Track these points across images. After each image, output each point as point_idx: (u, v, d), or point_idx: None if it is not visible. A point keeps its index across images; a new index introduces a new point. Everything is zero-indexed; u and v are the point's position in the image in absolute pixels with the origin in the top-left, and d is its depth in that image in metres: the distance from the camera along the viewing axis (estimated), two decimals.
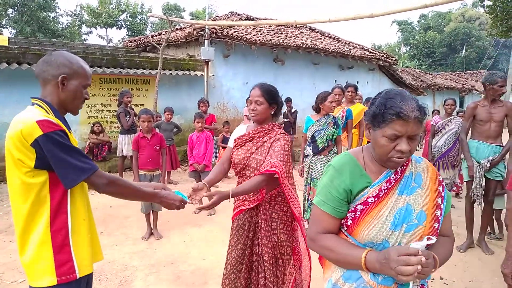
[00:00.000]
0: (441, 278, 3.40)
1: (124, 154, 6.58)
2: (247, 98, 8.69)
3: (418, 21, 44.93)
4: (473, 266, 3.67)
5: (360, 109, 5.09)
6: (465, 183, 4.24)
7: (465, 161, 4.09)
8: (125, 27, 29.90)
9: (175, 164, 6.82)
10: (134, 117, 6.62)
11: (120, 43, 27.29)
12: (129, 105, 6.60)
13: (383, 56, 14.02)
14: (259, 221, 2.28)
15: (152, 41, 10.01)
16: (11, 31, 24.57)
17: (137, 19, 29.79)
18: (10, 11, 24.27)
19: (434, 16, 43.30)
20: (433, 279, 3.38)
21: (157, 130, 6.47)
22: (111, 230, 4.52)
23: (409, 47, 42.36)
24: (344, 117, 4.66)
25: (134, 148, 4.19)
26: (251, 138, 2.31)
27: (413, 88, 15.85)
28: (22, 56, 6.80)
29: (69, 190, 1.46)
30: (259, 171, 2.15)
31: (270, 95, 2.28)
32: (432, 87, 18.75)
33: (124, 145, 6.51)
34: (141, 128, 4.27)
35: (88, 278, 1.61)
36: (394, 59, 14.42)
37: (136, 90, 8.37)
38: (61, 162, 1.38)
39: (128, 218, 4.90)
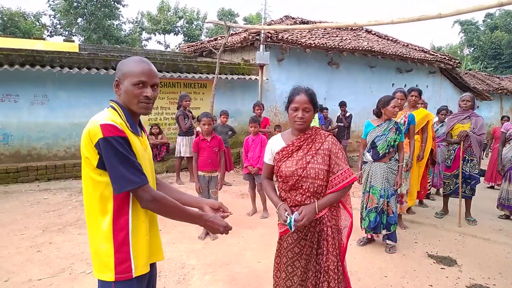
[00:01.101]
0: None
1: (181, 155, 6.81)
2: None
3: (484, 21, 41.94)
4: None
5: (424, 115, 4.84)
6: None
7: None
8: (181, 33, 31.13)
9: (229, 166, 6.94)
10: (192, 120, 6.84)
11: (177, 48, 28.44)
12: (187, 108, 6.83)
13: (445, 58, 13.25)
14: (325, 229, 2.19)
15: (210, 46, 10.30)
16: (79, 39, 26.60)
17: (193, 25, 30.88)
18: (79, 20, 26.30)
19: (502, 14, 40.14)
20: None
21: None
22: (169, 228, 4.68)
23: (472, 48, 39.68)
24: (406, 122, 4.46)
25: (194, 150, 4.33)
26: (298, 147, 2.19)
27: (478, 92, 14.80)
28: (91, 61, 7.31)
29: (130, 194, 1.51)
30: (343, 183, 2.12)
31: (315, 100, 2.19)
32: (500, 91, 17.35)
33: (182, 146, 6.75)
34: (201, 130, 4.40)
35: (150, 276, 1.67)
36: (457, 61, 13.57)
37: (194, 93, 8.65)
38: (112, 168, 1.42)
39: None
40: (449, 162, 5.19)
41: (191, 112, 6.93)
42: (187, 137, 6.69)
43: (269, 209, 5.24)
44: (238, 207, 5.64)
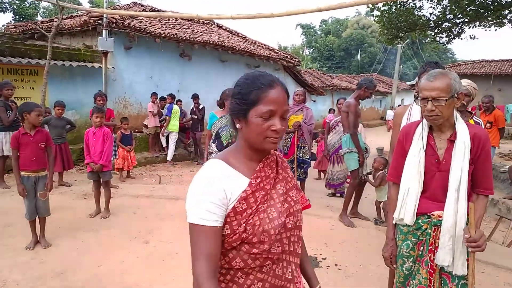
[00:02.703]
0: (336, 264, 3.66)
1: (4, 154, 5.78)
2: (153, 93, 8.35)
3: (320, 26, 48.21)
4: (364, 252, 4.01)
5: None
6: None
7: (350, 153, 4.75)
8: (10, 11, 26.38)
9: (68, 164, 6.20)
10: (17, 112, 5.84)
11: (4, 28, 24.01)
12: (10, 98, 5.80)
13: (287, 57, 14.67)
14: None
15: (41, 27, 8.97)
16: None
17: (26, 2, 26.52)
18: None
19: (333, 22, 46.91)
20: (328, 266, 3.62)
21: (46, 126, 5.82)
22: None
23: (311, 49, 45.20)
24: None
25: (13, 146, 3.67)
26: (274, 179, 1.36)
27: (314, 88, 16.91)
28: None
29: None
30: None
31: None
32: (331, 87, 20.28)
33: (5, 143, 5.72)
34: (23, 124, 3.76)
35: None
36: (297, 60, 15.20)
37: (22, 81, 7.41)
38: None
39: (10, 227, 4.30)
40: (286, 149, 5.75)
41: (15, 103, 5.90)
42: (10, 133, 5.66)
43: (111, 209, 4.89)
44: (80, 208, 5.10)
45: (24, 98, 7.17)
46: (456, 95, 1.84)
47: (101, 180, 4.79)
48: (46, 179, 3.80)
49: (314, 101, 17.91)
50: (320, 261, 3.71)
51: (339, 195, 6.29)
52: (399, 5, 10.88)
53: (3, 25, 26.79)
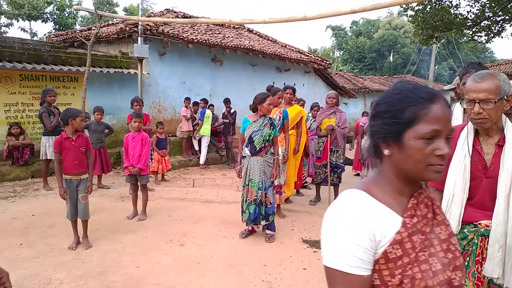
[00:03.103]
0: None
1: (48, 158, 6.06)
2: (186, 98, 8.50)
3: (350, 27, 47.50)
4: None
5: (297, 111, 5.21)
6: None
7: None
8: (51, 21, 27.78)
9: (107, 167, 6.43)
10: (59, 117, 6.13)
11: (46, 37, 25.32)
12: (52, 104, 6.09)
13: (318, 59, 14.55)
14: None
15: (80, 36, 9.37)
16: None
17: (65, 12, 27.83)
18: None
19: (364, 23, 46.09)
20: None
21: (86, 131, 6.07)
22: (33, 241, 4.12)
23: (342, 51, 44.60)
24: (281, 118, 4.73)
25: (56, 150, 3.84)
26: (432, 218, 1.23)
27: (346, 90, 16.66)
28: None
29: None
30: None
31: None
32: (363, 90, 19.90)
33: (48, 147, 6.00)
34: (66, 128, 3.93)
35: None
36: (328, 62, 15.03)
37: (63, 88, 7.77)
38: None
39: (53, 227, 4.51)
40: (319, 154, 5.70)
41: (57, 109, 6.18)
42: (53, 137, 5.94)
43: (147, 211, 5.02)
44: (118, 210, 5.27)
45: (65, 104, 7.51)
46: (505, 97, 1.75)
47: (139, 183, 4.93)
48: (87, 182, 3.95)
49: (346, 103, 17.64)
50: None
51: None
52: (434, 4, 10.52)
53: (45, 35, 28.27)
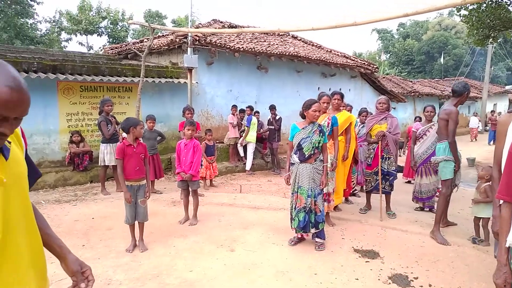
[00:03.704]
0: (430, 285, 3.41)
1: (106, 164, 6.43)
2: (233, 106, 8.68)
3: (397, 30, 46.03)
4: (462, 273, 3.69)
5: (346, 117, 5.12)
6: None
7: (447, 162, 4.46)
8: (105, 34, 29.54)
9: (159, 173, 6.70)
10: (116, 126, 6.49)
11: (101, 50, 26.93)
12: (110, 113, 6.46)
13: (364, 63, 14.23)
14: None
15: (134, 48, 9.88)
16: None
17: (118, 26, 29.48)
18: None
19: (412, 24, 44.45)
20: (421, 286, 3.39)
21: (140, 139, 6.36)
22: (94, 242, 4.37)
23: (389, 54, 43.28)
24: (329, 124, 4.67)
25: (119, 157, 4.06)
26: None
27: (394, 94, 16.13)
28: None
29: None
30: None
31: None
32: (413, 93, 19.15)
33: (106, 154, 6.37)
34: (125, 137, 4.15)
35: None
36: (375, 66, 14.66)
37: (118, 98, 8.22)
38: None
39: (111, 230, 4.76)
40: (369, 161, 5.55)
41: (114, 118, 6.55)
42: (111, 145, 6.32)
43: (198, 216, 5.15)
44: (170, 215, 5.46)
45: (120, 113, 7.94)
46: None
47: (190, 188, 5.08)
48: (145, 187, 4.14)
49: (394, 108, 17.06)
50: (412, 280, 3.49)
51: (428, 209, 5.86)
52: (490, 2, 9.92)
53: (100, 48, 30.12)
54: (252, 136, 9.03)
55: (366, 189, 5.78)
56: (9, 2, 22.88)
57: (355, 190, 6.78)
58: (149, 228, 4.66)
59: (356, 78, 14.63)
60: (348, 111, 6.07)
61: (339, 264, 3.84)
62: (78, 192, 6.70)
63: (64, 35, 29.52)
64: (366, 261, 3.92)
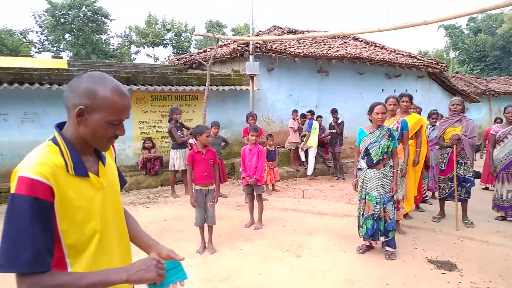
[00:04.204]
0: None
1: (176, 168, 6.77)
2: (293, 110, 8.69)
3: (467, 25, 42.87)
4: None
5: (416, 120, 4.88)
6: None
7: None
8: (170, 45, 31.21)
9: (223, 178, 6.90)
10: (187, 132, 6.83)
11: (167, 61, 28.52)
12: (178, 121, 6.81)
13: (432, 62, 13.45)
14: None
15: (199, 58, 10.32)
16: (68, 54, 26.50)
17: (181, 37, 31.00)
18: (66, 35, 26.23)
19: (484, 18, 41.09)
20: None
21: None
22: (166, 243, 4.51)
23: (458, 52, 40.43)
24: (399, 128, 4.48)
25: (189, 163, 4.27)
26: None
27: (466, 94, 15.01)
28: None
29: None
30: None
31: None
32: (488, 92, 17.63)
33: (176, 159, 6.71)
34: (198, 142, 4.33)
35: None
36: (444, 65, 13.79)
37: (185, 106, 8.63)
38: (2, 233, 1.06)
39: (182, 232, 5.00)
40: (443, 166, 5.22)
41: (182, 125, 6.90)
42: (180, 150, 6.66)
43: (262, 220, 5.21)
44: (235, 218, 5.60)
45: (187, 120, 8.33)
46: None
47: (255, 193, 5.17)
48: (214, 191, 4.31)
49: (467, 109, 15.85)
50: None
51: (511, 219, 5.37)
52: None
53: (165, 58, 31.87)
54: (313, 140, 8.95)
55: (439, 196, 5.45)
56: (86, 20, 25.17)
57: (426, 196, 6.42)
58: (216, 231, 4.81)
59: (423, 78, 13.86)
60: (417, 113, 5.77)
61: (412, 274, 3.67)
62: (150, 195, 7.13)
63: (133, 48, 31.76)
64: (442, 273, 3.70)
